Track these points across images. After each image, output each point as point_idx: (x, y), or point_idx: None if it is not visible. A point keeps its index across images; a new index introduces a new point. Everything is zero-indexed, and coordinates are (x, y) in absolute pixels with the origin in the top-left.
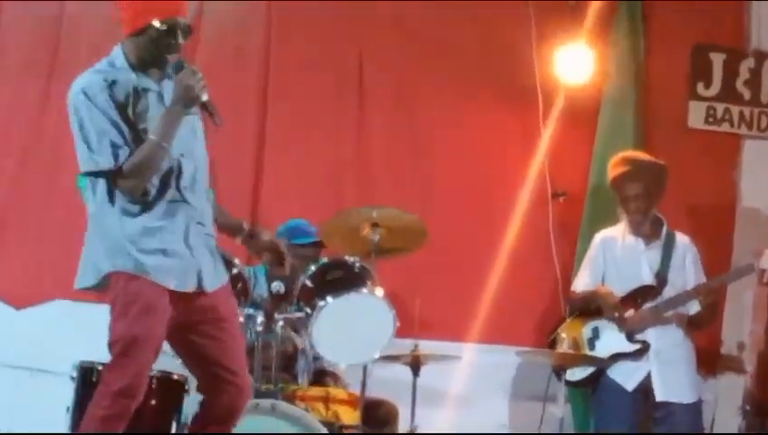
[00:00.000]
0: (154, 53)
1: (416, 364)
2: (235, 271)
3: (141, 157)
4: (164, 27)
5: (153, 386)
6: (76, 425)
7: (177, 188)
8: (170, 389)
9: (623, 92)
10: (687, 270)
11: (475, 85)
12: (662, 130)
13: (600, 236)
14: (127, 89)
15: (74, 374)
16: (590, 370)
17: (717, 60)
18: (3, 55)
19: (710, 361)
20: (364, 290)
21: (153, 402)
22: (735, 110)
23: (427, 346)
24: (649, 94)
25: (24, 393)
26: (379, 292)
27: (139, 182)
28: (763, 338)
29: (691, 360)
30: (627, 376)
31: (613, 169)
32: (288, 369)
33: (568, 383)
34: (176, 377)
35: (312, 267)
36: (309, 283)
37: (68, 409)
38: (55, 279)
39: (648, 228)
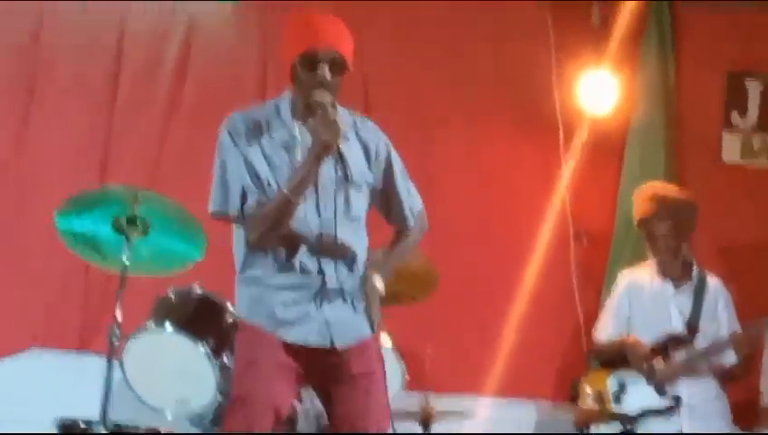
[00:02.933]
0: (301, 93)
1: (426, 420)
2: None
3: (267, 209)
4: (300, 62)
5: None
6: None
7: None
8: None
9: (652, 123)
10: (720, 316)
11: (491, 115)
12: (694, 163)
13: (625, 279)
14: (281, 135)
15: (55, 432)
16: (616, 427)
17: (754, 87)
18: None
19: (748, 415)
20: None
21: None
22: None
23: (438, 401)
24: (680, 125)
25: None
26: (387, 342)
27: (263, 235)
28: None
29: (726, 415)
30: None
31: (640, 206)
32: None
33: None
34: (164, 433)
35: None
36: None
37: None
38: (32, 328)
39: (677, 270)
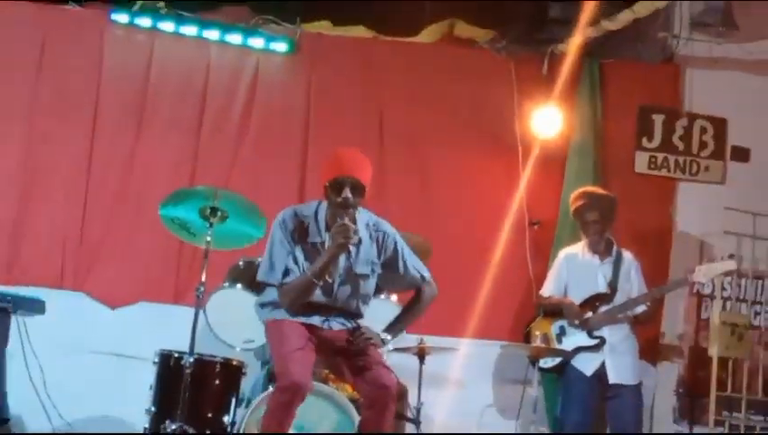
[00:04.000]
0: (331, 209)
1: (421, 354)
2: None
3: (294, 284)
4: (330, 185)
5: (216, 369)
6: (157, 399)
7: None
8: (231, 372)
9: (585, 144)
10: (633, 280)
11: (471, 138)
12: (615, 173)
13: (564, 252)
14: (314, 235)
15: (156, 360)
16: (558, 359)
17: (658, 119)
18: (101, 107)
19: (653, 351)
20: (382, 297)
21: (216, 383)
22: (672, 158)
23: (430, 340)
24: (605, 145)
25: (117, 374)
26: (393, 298)
27: (292, 301)
28: (693, 336)
29: (635, 351)
30: (586, 364)
31: (575, 201)
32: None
33: (541, 370)
34: (234, 362)
35: None
36: None
37: (150, 386)
38: (141, 286)
39: (602, 247)
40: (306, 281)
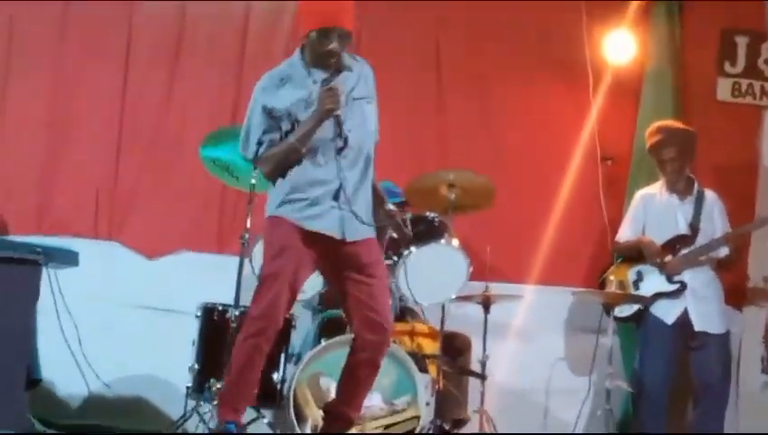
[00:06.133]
0: (315, 57)
1: (486, 303)
2: None
3: (274, 152)
4: (316, 35)
5: None
6: (200, 355)
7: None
8: None
9: (662, 71)
10: (716, 221)
11: (536, 67)
12: (695, 102)
13: (640, 194)
14: (297, 89)
15: (198, 313)
16: (635, 307)
17: (742, 42)
18: (134, 48)
19: (738, 296)
20: (442, 241)
21: None
22: (757, 85)
23: (496, 287)
24: (684, 72)
25: (156, 330)
26: (455, 242)
27: (271, 171)
28: None
29: (721, 296)
30: (667, 312)
31: (650, 138)
32: None
33: (616, 319)
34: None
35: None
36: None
37: (193, 342)
38: (180, 234)
39: (682, 186)
40: (289, 147)
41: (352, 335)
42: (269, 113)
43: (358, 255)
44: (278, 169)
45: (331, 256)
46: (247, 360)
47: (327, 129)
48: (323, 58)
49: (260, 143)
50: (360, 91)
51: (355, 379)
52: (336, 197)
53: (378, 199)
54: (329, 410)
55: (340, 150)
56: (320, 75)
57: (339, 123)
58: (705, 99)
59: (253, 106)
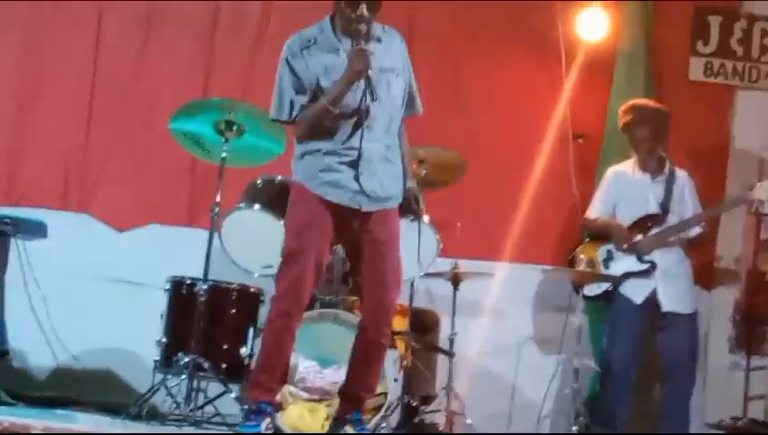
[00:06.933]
0: (344, 24)
1: (455, 280)
2: None
3: (308, 114)
4: (345, 2)
5: (233, 297)
6: (168, 329)
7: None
8: (248, 299)
9: (634, 49)
10: (686, 200)
11: (508, 44)
12: (667, 81)
13: (612, 171)
14: (326, 52)
15: (167, 287)
16: (604, 286)
17: (714, 21)
18: (105, 17)
19: (707, 276)
20: (412, 217)
21: (233, 311)
22: (729, 64)
23: (465, 264)
24: (657, 51)
25: (125, 303)
26: (426, 218)
27: (305, 132)
28: (751, 259)
29: (690, 276)
30: (636, 291)
31: (623, 116)
32: (347, 283)
33: (585, 297)
34: (252, 289)
35: None
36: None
37: (161, 315)
38: (150, 207)
39: (654, 165)
40: (321, 108)
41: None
42: (297, 76)
43: (373, 229)
44: (310, 131)
45: (350, 227)
46: (276, 341)
47: (354, 95)
48: (353, 24)
49: (292, 105)
50: (386, 63)
51: (363, 359)
52: (355, 165)
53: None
54: (342, 393)
55: (363, 119)
56: (348, 44)
57: (369, 85)
58: (678, 78)
59: (282, 68)
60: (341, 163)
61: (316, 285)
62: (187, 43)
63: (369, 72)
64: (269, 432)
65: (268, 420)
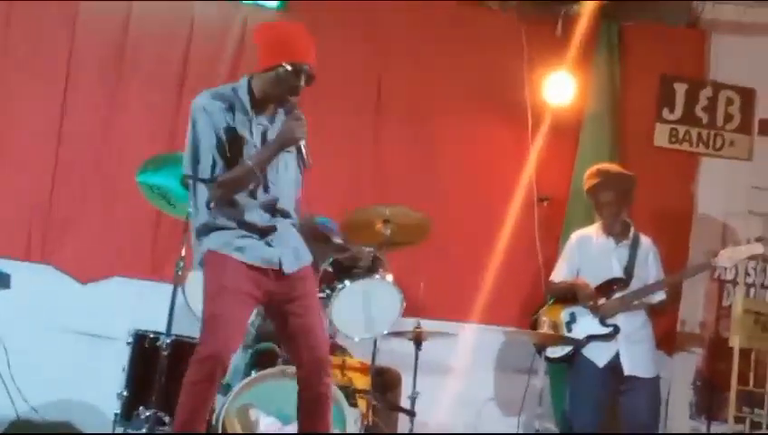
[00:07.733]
0: (277, 90)
1: (418, 340)
2: None
3: (234, 175)
4: (291, 69)
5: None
6: (130, 382)
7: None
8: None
9: (601, 114)
10: (650, 266)
11: (476, 106)
12: (633, 146)
13: (576, 235)
14: (240, 117)
15: (130, 340)
16: (567, 348)
17: (680, 89)
18: (74, 67)
19: (669, 341)
20: (376, 276)
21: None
22: (695, 132)
23: (428, 324)
24: (623, 116)
25: (87, 356)
26: (389, 277)
27: (226, 194)
28: (713, 325)
29: (652, 340)
30: (599, 354)
31: (589, 180)
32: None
33: (548, 359)
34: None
35: (333, 256)
36: (329, 268)
37: (123, 368)
38: (114, 260)
39: (618, 230)
40: (247, 171)
41: (295, 370)
42: (218, 135)
43: (293, 287)
44: (232, 194)
45: (269, 288)
46: (198, 404)
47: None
48: (293, 92)
49: (214, 164)
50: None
51: (312, 414)
52: (268, 233)
53: (322, 236)
54: None
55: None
56: (262, 119)
57: (301, 153)
58: (643, 143)
59: (200, 126)
60: (258, 228)
61: (237, 347)
62: (154, 97)
63: (302, 142)
64: None
65: None
